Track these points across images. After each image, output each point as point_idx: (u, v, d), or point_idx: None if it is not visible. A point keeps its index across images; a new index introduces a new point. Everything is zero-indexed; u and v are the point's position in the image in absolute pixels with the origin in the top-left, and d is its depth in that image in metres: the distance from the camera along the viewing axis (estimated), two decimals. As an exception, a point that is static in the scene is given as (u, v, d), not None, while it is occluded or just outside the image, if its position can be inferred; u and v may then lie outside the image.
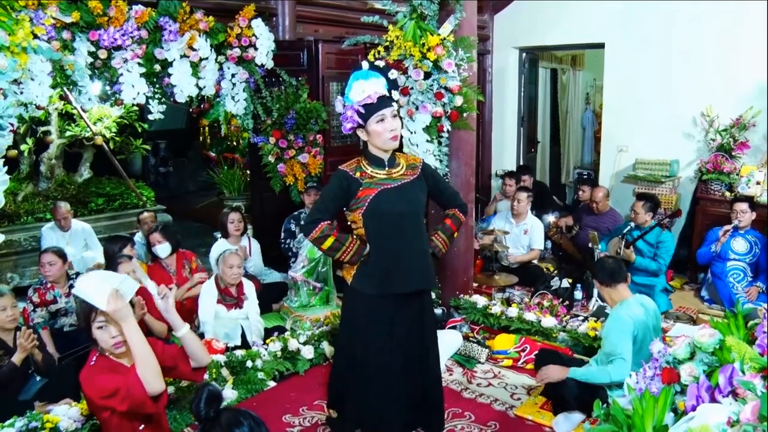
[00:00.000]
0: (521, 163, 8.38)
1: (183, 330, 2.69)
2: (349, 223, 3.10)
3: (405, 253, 3.03)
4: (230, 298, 4.49)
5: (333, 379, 3.39)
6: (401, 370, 3.14)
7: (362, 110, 2.89)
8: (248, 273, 5.40)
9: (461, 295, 5.09)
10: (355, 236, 3.04)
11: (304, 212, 5.66)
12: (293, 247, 5.53)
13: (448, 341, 4.48)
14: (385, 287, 3.01)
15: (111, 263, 4.34)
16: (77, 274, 4.58)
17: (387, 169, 3.01)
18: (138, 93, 4.64)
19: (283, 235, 5.67)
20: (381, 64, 4.42)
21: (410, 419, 3.26)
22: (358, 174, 2.97)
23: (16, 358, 3.51)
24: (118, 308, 2.37)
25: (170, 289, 2.73)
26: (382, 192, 2.96)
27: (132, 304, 2.56)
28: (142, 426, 2.52)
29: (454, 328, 4.77)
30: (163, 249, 4.79)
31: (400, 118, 3.28)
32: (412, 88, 4.52)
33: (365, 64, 4.08)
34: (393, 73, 4.44)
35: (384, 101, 2.94)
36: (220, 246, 5.32)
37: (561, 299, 5.13)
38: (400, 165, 3.07)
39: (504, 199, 7.01)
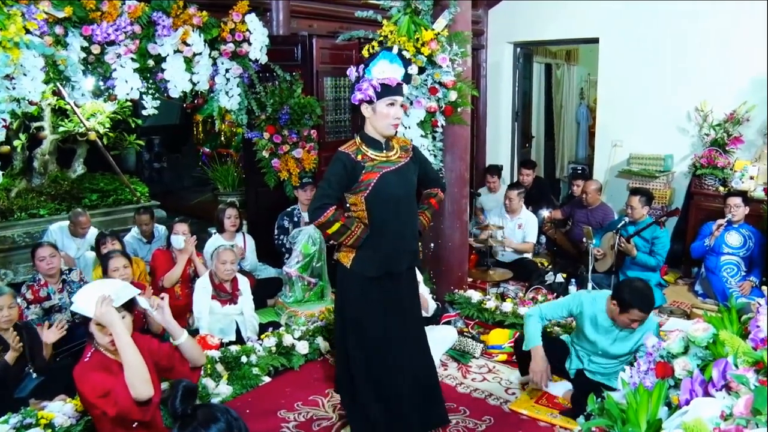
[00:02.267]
0: (522, 158, 8.40)
1: (182, 338, 2.70)
2: (348, 205, 3.12)
3: (403, 235, 3.11)
4: (225, 293, 4.49)
5: (342, 367, 3.34)
6: (405, 349, 3.22)
7: (378, 87, 2.90)
8: (243, 269, 5.40)
9: (456, 290, 5.10)
10: (356, 219, 3.05)
11: (297, 209, 5.65)
12: (286, 243, 5.52)
13: (443, 337, 4.48)
14: (384, 268, 3.08)
15: (102, 260, 4.37)
16: (70, 270, 4.57)
17: (384, 151, 3.03)
18: (131, 88, 4.62)
19: (276, 231, 5.65)
20: (407, 55, 4.39)
21: (419, 410, 3.30)
22: (359, 157, 2.97)
23: (9, 357, 3.49)
24: (103, 312, 2.41)
25: (162, 298, 2.75)
26: (383, 175, 2.99)
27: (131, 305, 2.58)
28: (135, 424, 2.52)
29: (448, 323, 4.77)
30: (181, 241, 4.86)
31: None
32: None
33: (396, 48, 4.09)
34: (413, 68, 4.42)
35: (399, 89, 2.99)
36: (214, 241, 5.33)
37: (555, 294, 5.14)
38: (395, 148, 3.10)
39: (488, 193, 7.08)
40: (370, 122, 3.00)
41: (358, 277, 3.08)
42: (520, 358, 3.86)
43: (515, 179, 8.27)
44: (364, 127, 3.04)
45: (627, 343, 3.50)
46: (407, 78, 3.28)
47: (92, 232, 5.61)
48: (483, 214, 6.92)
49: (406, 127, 4.59)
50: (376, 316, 3.12)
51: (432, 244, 5.05)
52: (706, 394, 1.78)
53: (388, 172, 3.00)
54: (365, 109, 2.97)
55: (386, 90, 2.92)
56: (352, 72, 3.06)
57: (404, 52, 4.30)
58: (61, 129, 6.85)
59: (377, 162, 2.99)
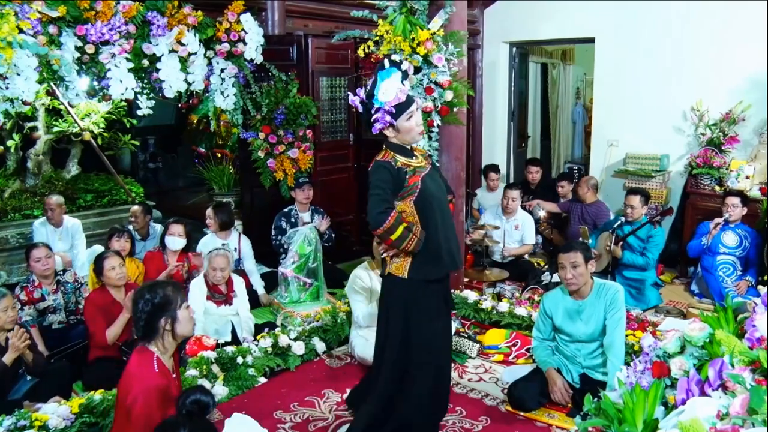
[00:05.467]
0: (518, 158, 8.41)
1: None
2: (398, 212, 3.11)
3: (449, 235, 3.13)
4: (219, 294, 4.47)
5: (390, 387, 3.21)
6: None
7: (393, 110, 2.91)
8: (237, 268, 5.40)
9: (452, 291, 5.09)
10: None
11: (294, 209, 5.63)
12: (284, 243, 5.51)
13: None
14: (442, 269, 3.11)
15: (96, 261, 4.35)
16: (64, 270, 4.54)
17: (414, 157, 3.05)
18: (126, 88, 4.61)
19: (273, 231, 5.64)
20: (398, 58, 4.34)
21: None
22: (398, 164, 2.96)
23: (7, 358, 3.46)
24: None
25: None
26: (424, 177, 3.01)
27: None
28: None
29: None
30: (176, 242, 4.85)
31: None
32: (402, 83, 4.50)
33: (387, 62, 4.10)
34: (405, 64, 4.38)
35: (410, 98, 2.99)
36: (209, 240, 5.32)
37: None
38: (417, 155, 3.12)
39: (487, 192, 7.06)
40: (398, 139, 3.01)
41: (416, 284, 3.05)
42: (509, 395, 3.80)
43: (512, 179, 8.28)
44: (388, 139, 3.02)
45: (597, 311, 3.57)
46: (405, 75, 3.26)
47: (70, 222, 5.61)
48: (480, 213, 6.91)
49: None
50: (438, 322, 3.15)
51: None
52: (703, 393, 1.77)
53: (425, 176, 3.02)
54: (389, 132, 2.97)
55: (400, 108, 2.92)
56: (355, 100, 3.02)
57: (394, 56, 4.27)
58: (55, 129, 6.82)
59: (413, 166, 3.00)
